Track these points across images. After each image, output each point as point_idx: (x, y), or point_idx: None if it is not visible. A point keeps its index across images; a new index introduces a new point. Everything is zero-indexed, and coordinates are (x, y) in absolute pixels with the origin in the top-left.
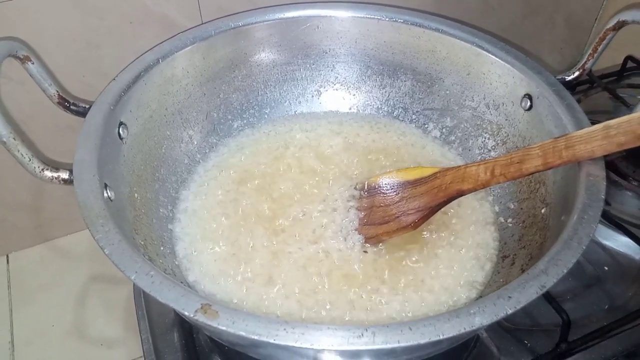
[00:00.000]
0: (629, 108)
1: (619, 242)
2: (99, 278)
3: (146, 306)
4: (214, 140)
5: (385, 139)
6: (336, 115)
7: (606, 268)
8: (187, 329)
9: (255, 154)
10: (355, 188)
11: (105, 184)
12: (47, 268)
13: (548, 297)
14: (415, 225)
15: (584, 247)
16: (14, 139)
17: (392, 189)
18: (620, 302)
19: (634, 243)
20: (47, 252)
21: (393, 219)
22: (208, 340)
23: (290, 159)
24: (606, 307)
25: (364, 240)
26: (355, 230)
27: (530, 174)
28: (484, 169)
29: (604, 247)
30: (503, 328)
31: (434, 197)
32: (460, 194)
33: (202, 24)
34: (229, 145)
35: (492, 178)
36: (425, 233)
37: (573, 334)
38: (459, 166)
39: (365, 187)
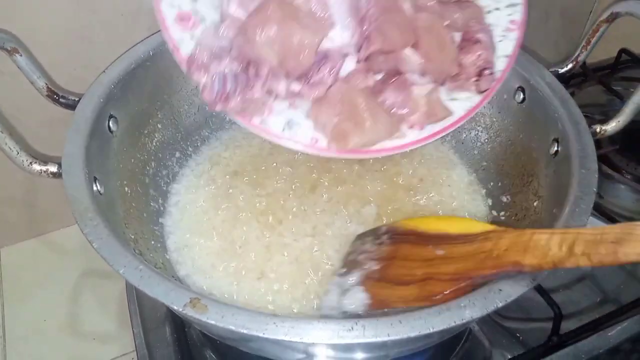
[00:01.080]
0: (622, 101)
1: None
2: (92, 273)
3: (138, 301)
4: (206, 134)
5: None
6: None
7: None
8: (179, 324)
9: (249, 148)
10: (377, 234)
11: (94, 177)
12: (39, 263)
13: (540, 290)
14: (445, 298)
15: None
16: (1, 132)
17: (425, 240)
18: (611, 295)
19: None
20: (39, 247)
21: (416, 281)
22: (200, 335)
23: (284, 153)
24: (598, 300)
25: (367, 302)
26: (359, 285)
27: (629, 262)
28: (559, 242)
29: None
30: (495, 321)
31: (479, 265)
32: (519, 269)
33: None
34: (221, 138)
35: (570, 257)
36: None
37: (565, 326)
38: (523, 230)
39: (390, 231)
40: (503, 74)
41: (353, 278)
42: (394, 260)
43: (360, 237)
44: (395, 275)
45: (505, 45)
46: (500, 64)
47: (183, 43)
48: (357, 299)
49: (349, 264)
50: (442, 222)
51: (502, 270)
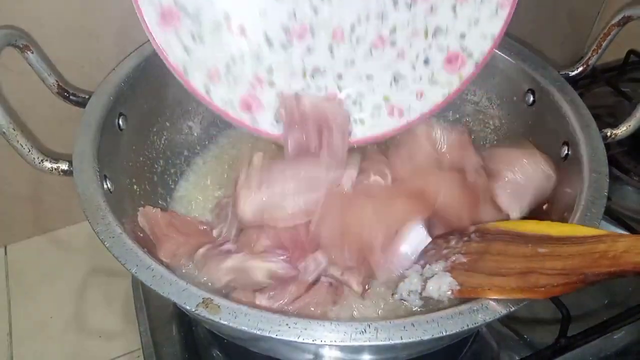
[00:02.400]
0: (631, 103)
1: None
2: (98, 270)
3: (145, 298)
4: (214, 132)
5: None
6: None
7: None
8: (186, 322)
9: (256, 146)
10: (463, 233)
11: (104, 175)
12: (45, 260)
13: None
14: (553, 291)
15: None
16: (13, 129)
17: (523, 239)
18: (620, 297)
19: None
20: (46, 244)
21: (514, 274)
22: (207, 333)
23: None
24: (606, 302)
25: (453, 288)
26: (446, 270)
27: None
28: None
29: None
30: (503, 323)
31: (591, 263)
32: (638, 271)
33: None
34: (229, 136)
35: None
36: None
37: (573, 329)
38: None
39: (479, 230)
40: (488, 55)
41: (437, 267)
42: (486, 255)
43: (442, 236)
44: (489, 268)
45: (494, 23)
46: (485, 45)
47: (170, 46)
48: (444, 283)
49: (430, 257)
50: (543, 225)
51: (620, 269)
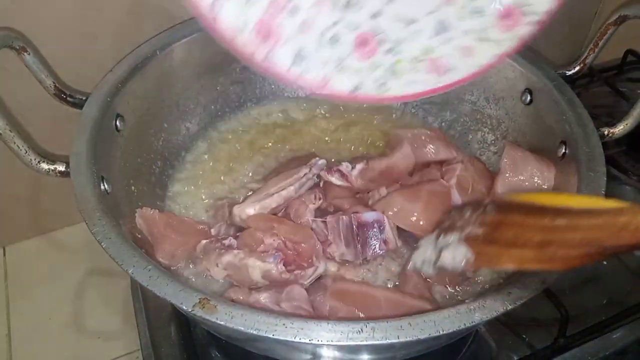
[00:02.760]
0: (628, 102)
1: None
2: (97, 271)
3: (143, 299)
4: (213, 133)
5: (385, 129)
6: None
7: (605, 263)
8: (185, 323)
9: (251, 144)
10: (478, 204)
11: (102, 176)
12: (44, 260)
13: (547, 292)
14: (571, 262)
15: None
16: (9, 131)
17: (541, 211)
18: (618, 297)
19: None
20: (44, 245)
21: (533, 245)
22: (205, 334)
23: (286, 149)
24: (604, 302)
25: (468, 258)
26: (460, 240)
27: None
28: None
29: None
30: (501, 322)
31: (613, 236)
32: None
33: None
34: (227, 137)
35: None
36: None
37: (571, 328)
38: None
39: (495, 201)
40: (549, 14)
41: (452, 237)
42: (502, 226)
43: (457, 208)
44: (505, 239)
45: None
46: (545, 2)
47: None
48: (459, 253)
49: (444, 230)
50: (562, 197)
51: None
